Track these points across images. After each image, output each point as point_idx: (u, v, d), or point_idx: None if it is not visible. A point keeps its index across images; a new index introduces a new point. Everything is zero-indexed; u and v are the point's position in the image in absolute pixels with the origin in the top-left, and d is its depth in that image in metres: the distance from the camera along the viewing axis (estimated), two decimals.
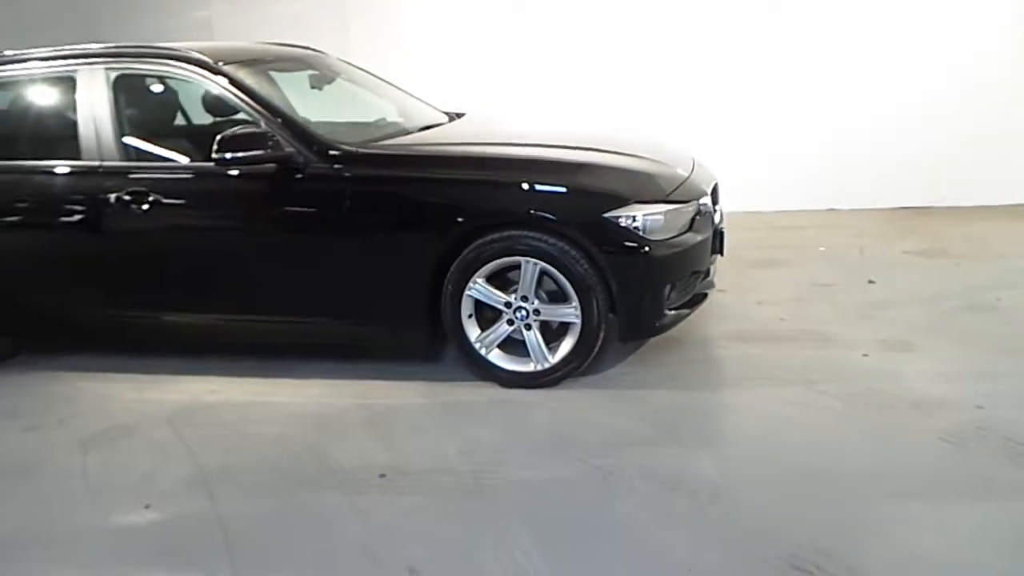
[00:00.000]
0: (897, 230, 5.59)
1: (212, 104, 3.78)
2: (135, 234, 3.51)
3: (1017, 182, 6.00)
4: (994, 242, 5.19)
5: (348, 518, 2.56)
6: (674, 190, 3.30)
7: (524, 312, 3.24)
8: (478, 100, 5.86)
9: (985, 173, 6.00)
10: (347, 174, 3.27)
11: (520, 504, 2.59)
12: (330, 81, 4.20)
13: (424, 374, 3.55)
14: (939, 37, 5.89)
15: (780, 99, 6.19)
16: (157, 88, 3.93)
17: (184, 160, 3.62)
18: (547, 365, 3.28)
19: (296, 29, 5.49)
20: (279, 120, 3.34)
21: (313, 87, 4.09)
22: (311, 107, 3.78)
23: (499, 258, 3.18)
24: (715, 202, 3.62)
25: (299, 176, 3.28)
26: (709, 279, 3.60)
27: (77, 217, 3.52)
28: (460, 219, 3.19)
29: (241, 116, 3.45)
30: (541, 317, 3.25)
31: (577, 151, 3.49)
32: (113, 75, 3.58)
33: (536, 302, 3.23)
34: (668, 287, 3.23)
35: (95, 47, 3.66)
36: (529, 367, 3.30)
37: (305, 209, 3.37)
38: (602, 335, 3.23)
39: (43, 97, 3.81)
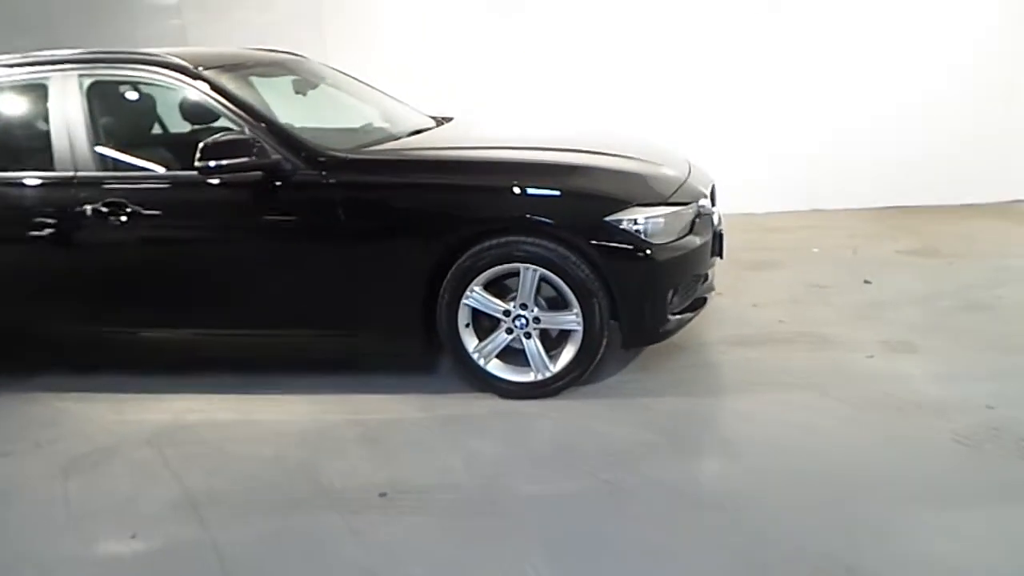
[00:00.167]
0: (887, 229, 5.57)
1: (191, 111, 3.64)
2: (113, 247, 3.36)
3: (1007, 181, 6.02)
4: (984, 240, 5.18)
5: (346, 540, 2.44)
6: (674, 192, 3.22)
7: (523, 320, 3.14)
8: (465, 104, 5.75)
9: (976, 173, 6.00)
10: (337, 181, 3.15)
11: (527, 521, 2.48)
12: (314, 86, 4.08)
13: (418, 386, 3.43)
14: (938, 37, 5.89)
15: (768, 100, 6.15)
16: (133, 95, 3.79)
17: (163, 170, 3.47)
18: (548, 374, 3.18)
19: (271, 37, 5.35)
20: (263, 126, 3.22)
21: (297, 92, 3.96)
22: (295, 113, 3.66)
23: (497, 265, 3.07)
24: (712, 204, 3.55)
25: (286, 184, 3.16)
26: (709, 282, 3.52)
27: (51, 231, 3.36)
28: (455, 225, 3.09)
29: (222, 123, 3.32)
30: (541, 325, 3.15)
31: (574, 154, 3.40)
32: (87, 82, 3.44)
33: (536, 310, 3.13)
34: (671, 292, 3.15)
35: (67, 53, 3.51)
36: (529, 377, 3.20)
37: (293, 218, 3.24)
38: (605, 342, 3.14)
39: (12, 106, 3.65)
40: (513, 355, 3.22)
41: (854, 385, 3.22)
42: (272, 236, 3.29)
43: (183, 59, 3.38)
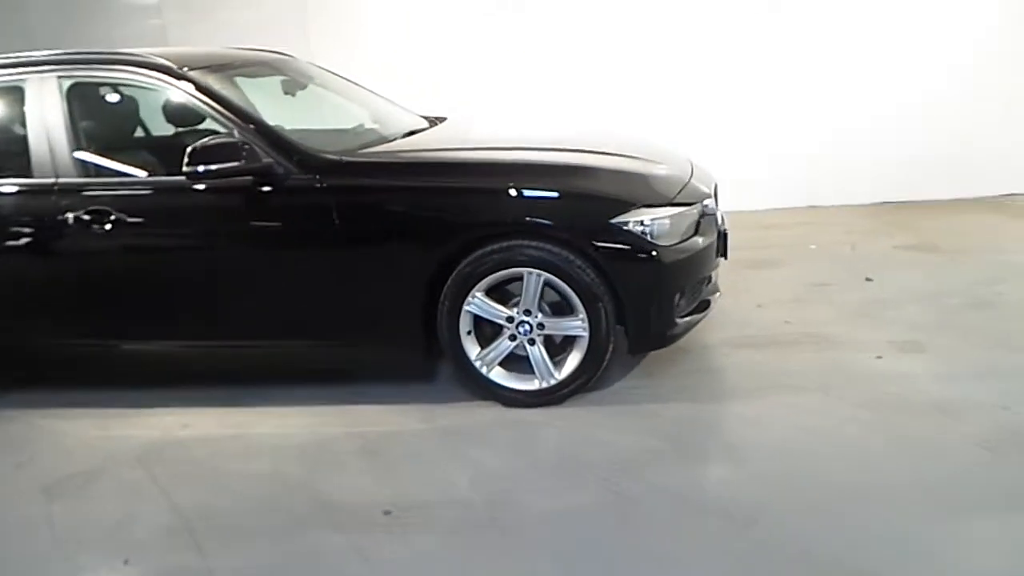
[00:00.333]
0: (883, 225, 5.53)
1: (176, 113, 3.51)
2: (97, 256, 3.22)
3: (1001, 175, 6.00)
4: (981, 235, 5.15)
5: (352, 561, 2.33)
6: (679, 192, 3.14)
7: (527, 327, 3.04)
8: (450, 103, 5.62)
9: (972, 168, 5.98)
10: (331, 185, 3.03)
11: (535, 535, 2.40)
12: (303, 87, 3.95)
13: (418, 396, 3.32)
14: (938, 37, 5.85)
15: (768, 99, 6.09)
16: (115, 97, 3.64)
17: (147, 175, 3.34)
18: (553, 382, 3.08)
19: (254, 37, 5.22)
20: (253, 128, 3.09)
21: (286, 93, 3.83)
22: (285, 114, 3.53)
23: (499, 270, 2.97)
24: (716, 204, 3.47)
25: (278, 189, 3.04)
26: (714, 284, 3.44)
27: (31, 241, 3.22)
28: (456, 230, 2.98)
29: (208, 125, 3.19)
30: (545, 331, 3.05)
31: (576, 154, 3.31)
32: (67, 84, 3.29)
33: (540, 316, 3.03)
34: (678, 295, 3.07)
35: (45, 54, 3.36)
36: (534, 385, 3.11)
37: (286, 224, 3.12)
38: (611, 348, 3.05)
39: None
40: (516, 362, 3.13)
41: (862, 386, 3.15)
42: (264, 243, 3.17)
43: (167, 59, 3.25)
